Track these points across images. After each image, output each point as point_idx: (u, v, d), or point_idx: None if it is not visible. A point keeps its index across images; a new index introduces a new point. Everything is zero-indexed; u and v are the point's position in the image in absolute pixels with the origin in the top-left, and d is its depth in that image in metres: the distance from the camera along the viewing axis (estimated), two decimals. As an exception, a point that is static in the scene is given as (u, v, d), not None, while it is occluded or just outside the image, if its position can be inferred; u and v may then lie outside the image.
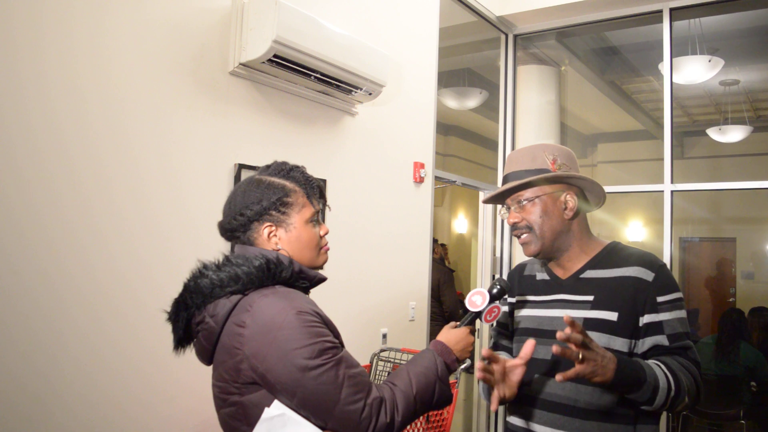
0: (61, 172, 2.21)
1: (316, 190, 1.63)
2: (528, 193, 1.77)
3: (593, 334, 1.67)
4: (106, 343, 2.31)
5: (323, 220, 1.76)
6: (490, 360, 1.57)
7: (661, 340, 1.66)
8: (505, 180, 1.83)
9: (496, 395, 1.60)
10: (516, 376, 1.63)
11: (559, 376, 1.47)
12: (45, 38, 2.18)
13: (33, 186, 2.13)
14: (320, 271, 1.61)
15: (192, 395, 2.55)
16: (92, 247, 2.29)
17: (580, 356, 1.46)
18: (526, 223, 1.77)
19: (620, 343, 1.67)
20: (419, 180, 4.09)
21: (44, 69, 2.17)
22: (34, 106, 2.14)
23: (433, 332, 4.36)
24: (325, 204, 1.66)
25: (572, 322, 1.45)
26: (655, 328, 1.67)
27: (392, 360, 3.41)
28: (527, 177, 1.76)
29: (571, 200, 1.78)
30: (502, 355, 1.81)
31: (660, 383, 1.55)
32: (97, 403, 2.28)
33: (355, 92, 3.28)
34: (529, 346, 1.61)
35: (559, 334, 1.44)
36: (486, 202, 1.92)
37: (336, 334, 1.47)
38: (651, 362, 1.60)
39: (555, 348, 1.45)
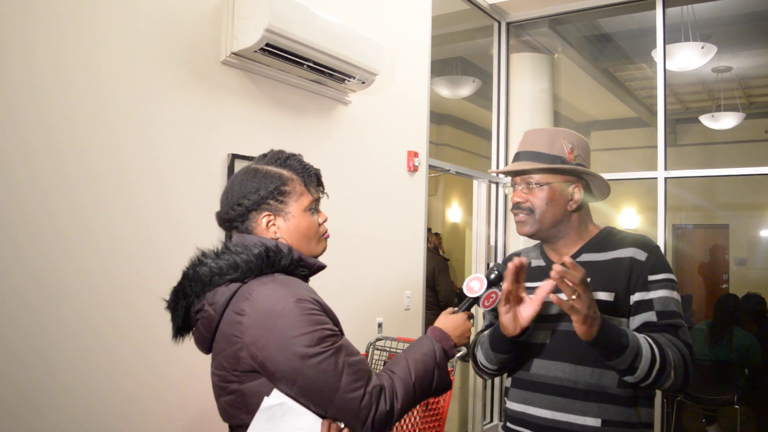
0: (49, 166, 2.18)
1: (313, 178, 1.62)
2: (538, 177, 1.77)
3: None
4: (95, 339, 2.30)
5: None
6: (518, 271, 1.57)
7: (650, 316, 1.67)
8: (518, 157, 1.83)
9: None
10: (529, 310, 1.62)
11: (553, 297, 1.47)
12: (34, 29, 2.15)
13: (21, 180, 2.11)
14: (319, 259, 1.60)
15: (180, 391, 2.55)
16: (80, 240, 2.27)
17: (576, 294, 1.47)
18: (529, 205, 1.78)
19: (615, 323, 1.68)
20: (413, 169, 4.08)
21: (33, 61, 2.14)
22: (22, 99, 2.11)
23: (429, 321, 4.37)
24: (323, 192, 1.65)
25: (573, 264, 1.46)
26: (645, 305, 1.68)
27: (388, 349, 3.41)
28: (543, 160, 1.76)
29: (577, 193, 1.79)
30: None
31: (643, 353, 1.55)
32: (86, 400, 2.26)
33: (348, 81, 3.26)
34: (546, 286, 1.57)
35: (555, 267, 1.45)
36: (494, 172, 1.94)
37: (336, 321, 1.46)
38: (639, 335, 1.60)
39: (553, 273, 1.46)
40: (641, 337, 1.60)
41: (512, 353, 1.75)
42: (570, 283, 1.47)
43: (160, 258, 2.50)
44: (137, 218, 2.45)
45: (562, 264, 1.47)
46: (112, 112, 2.38)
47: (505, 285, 1.60)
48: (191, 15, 2.68)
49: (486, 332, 1.87)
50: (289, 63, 2.94)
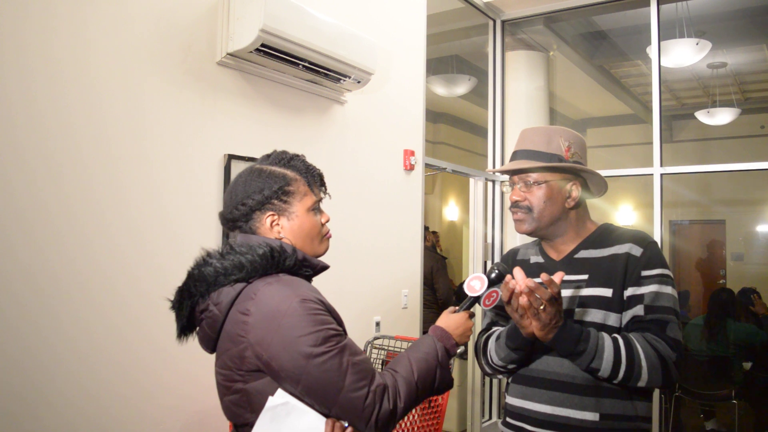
0: (42, 168, 2.17)
1: (317, 178, 1.64)
2: (536, 176, 1.79)
3: (590, 311, 1.72)
4: (89, 342, 2.29)
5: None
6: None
7: (638, 310, 1.69)
8: (516, 156, 1.84)
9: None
10: None
11: (545, 276, 1.54)
12: (27, 29, 2.14)
13: (14, 183, 2.10)
14: (321, 259, 1.61)
15: (175, 393, 2.55)
16: (74, 242, 2.26)
17: (543, 306, 1.56)
18: (527, 204, 1.80)
19: (614, 319, 1.71)
20: (409, 168, 4.08)
21: (26, 61, 2.13)
22: (15, 99, 2.10)
23: (427, 320, 4.37)
24: (325, 192, 1.66)
25: (550, 281, 1.54)
26: (635, 300, 1.70)
27: (386, 348, 3.41)
28: (540, 159, 1.78)
29: (575, 190, 1.81)
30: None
31: (604, 356, 1.61)
32: (81, 402, 2.25)
33: (344, 80, 3.26)
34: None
35: (527, 283, 1.54)
36: (493, 171, 2.01)
37: (339, 321, 1.48)
38: (609, 338, 1.64)
39: (523, 287, 1.54)
40: (610, 340, 1.63)
41: (525, 351, 1.76)
42: (540, 297, 1.55)
43: (155, 260, 2.49)
44: (132, 220, 2.44)
45: (541, 282, 1.56)
46: (106, 113, 2.36)
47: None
48: (186, 16, 2.67)
49: (501, 329, 1.87)
50: (285, 63, 2.93)
